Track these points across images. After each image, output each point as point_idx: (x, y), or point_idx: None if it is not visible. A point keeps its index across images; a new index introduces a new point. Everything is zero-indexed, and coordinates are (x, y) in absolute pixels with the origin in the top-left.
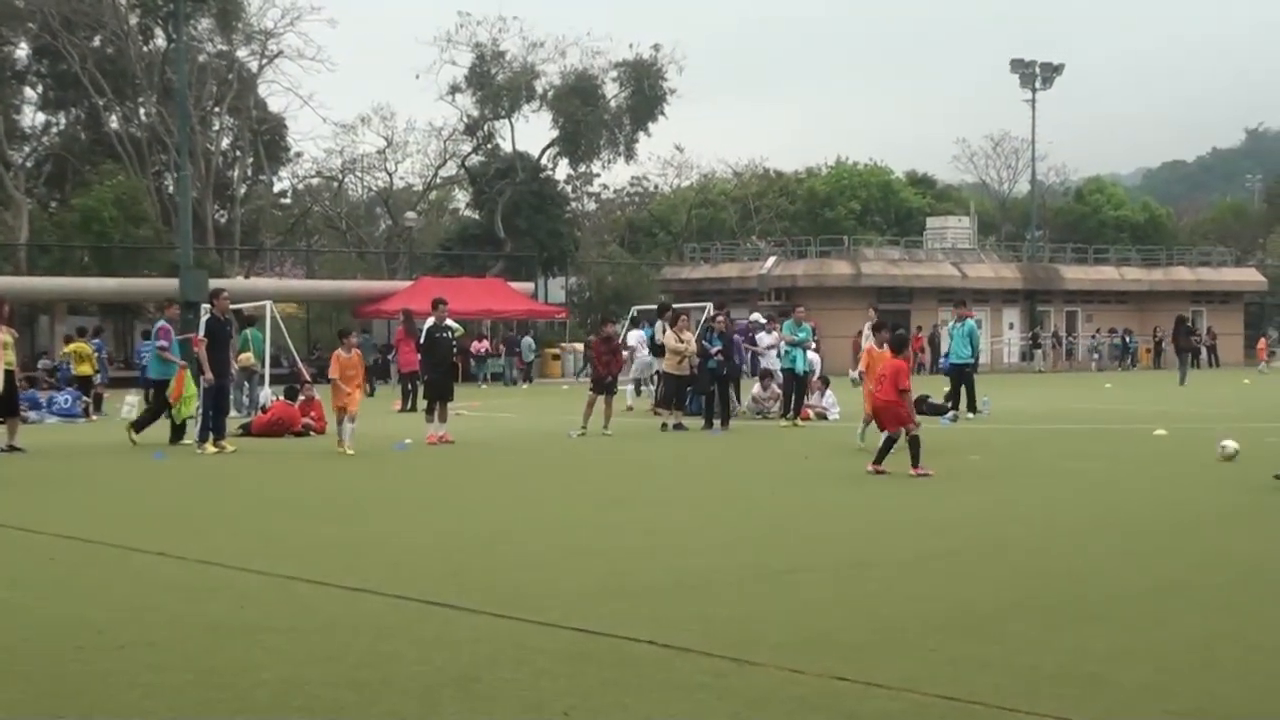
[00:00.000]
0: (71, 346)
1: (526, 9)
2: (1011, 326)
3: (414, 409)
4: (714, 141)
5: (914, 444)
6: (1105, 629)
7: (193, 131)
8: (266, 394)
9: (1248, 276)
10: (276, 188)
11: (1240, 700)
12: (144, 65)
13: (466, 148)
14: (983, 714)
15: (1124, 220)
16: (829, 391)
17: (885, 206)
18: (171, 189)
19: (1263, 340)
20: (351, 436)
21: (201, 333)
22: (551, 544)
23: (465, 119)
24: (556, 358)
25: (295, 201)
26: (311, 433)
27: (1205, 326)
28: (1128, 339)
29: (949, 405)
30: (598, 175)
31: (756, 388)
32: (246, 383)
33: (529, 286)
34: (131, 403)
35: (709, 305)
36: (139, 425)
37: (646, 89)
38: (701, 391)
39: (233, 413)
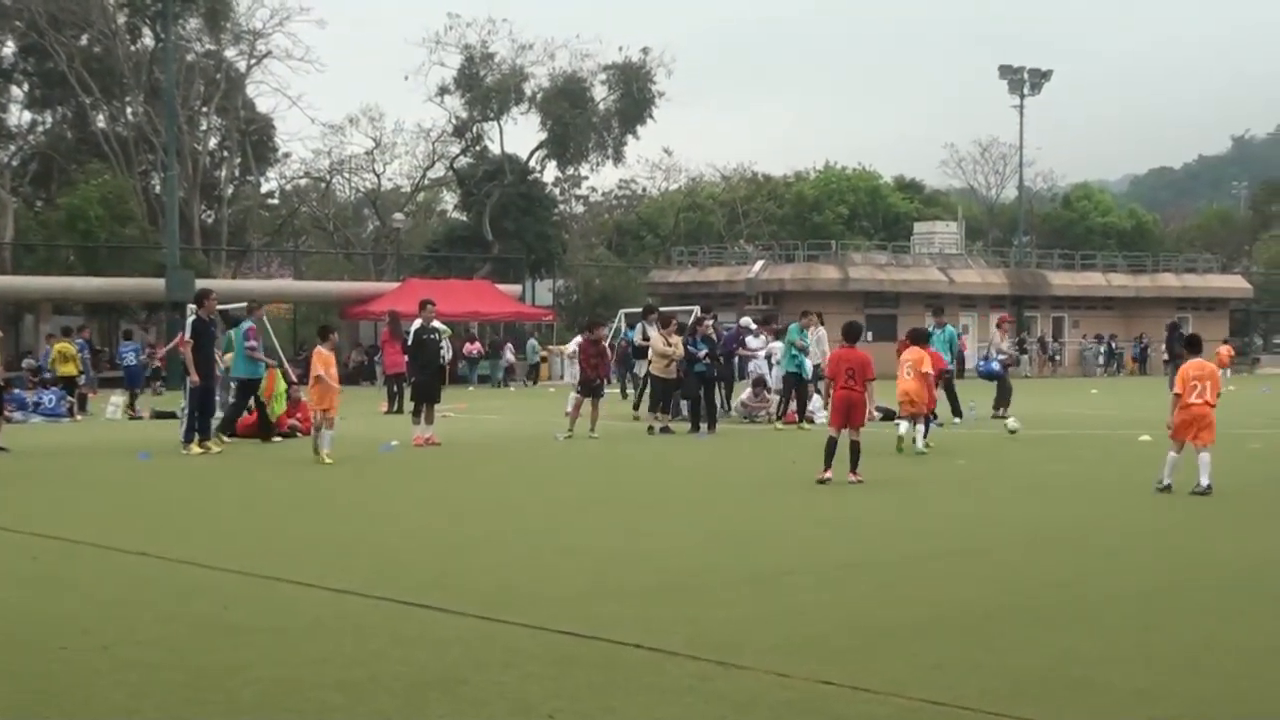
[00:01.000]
0: (56, 346)
1: (516, 11)
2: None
3: (400, 411)
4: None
5: (855, 449)
6: (1093, 632)
7: (180, 131)
8: None
9: (1233, 283)
10: (264, 188)
11: (1229, 704)
12: (131, 64)
13: (455, 149)
14: (969, 718)
15: (1111, 227)
16: (818, 396)
17: (873, 211)
18: (158, 189)
19: (1226, 347)
20: (330, 444)
21: (188, 334)
22: (538, 546)
23: (454, 121)
24: (544, 360)
25: (283, 202)
26: (298, 434)
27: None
28: (1113, 345)
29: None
30: (586, 178)
31: (747, 393)
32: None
33: (516, 289)
34: (116, 403)
35: (696, 309)
36: (225, 425)
37: (635, 92)
38: (689, 395)
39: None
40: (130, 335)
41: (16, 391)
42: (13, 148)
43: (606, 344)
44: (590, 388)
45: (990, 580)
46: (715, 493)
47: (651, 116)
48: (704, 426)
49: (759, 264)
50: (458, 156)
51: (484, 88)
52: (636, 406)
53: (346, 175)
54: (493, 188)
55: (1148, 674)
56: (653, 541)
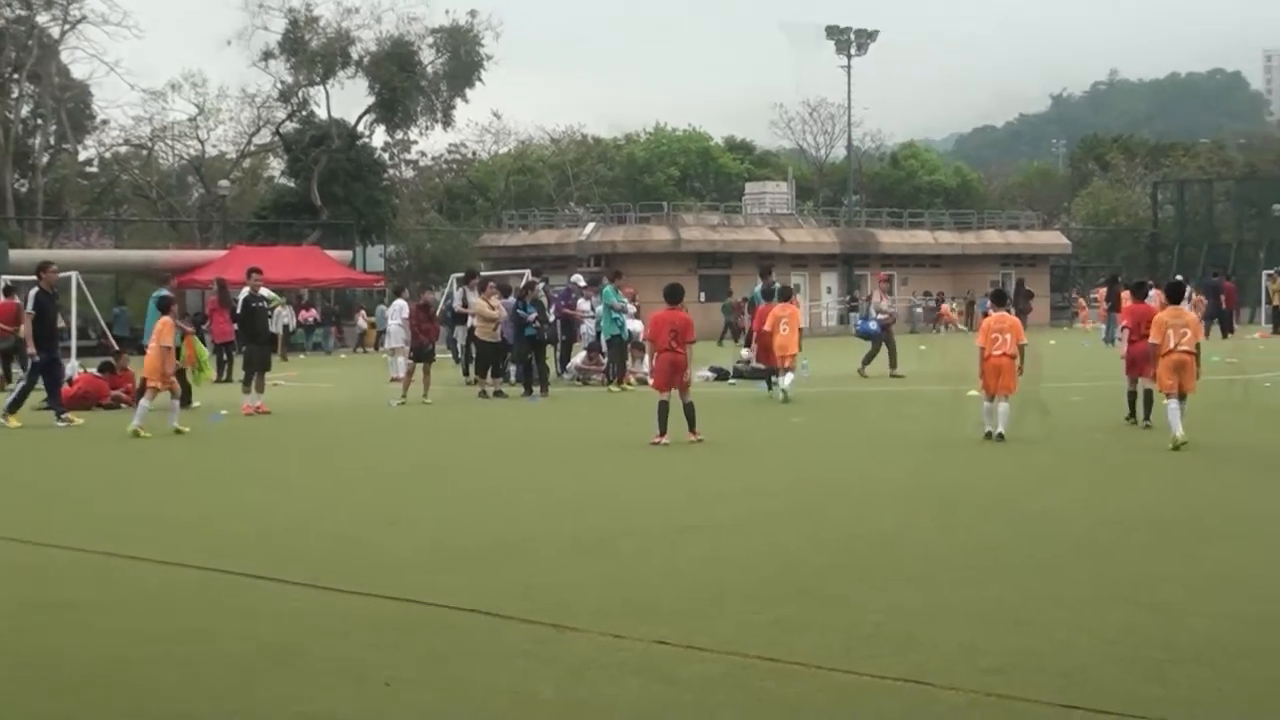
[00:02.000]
0: None
1: None
2: (829, 290)
3: (229, 379)
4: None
5: (690, 409)
6: (920, 590)
7: None
8: (73, 366)
9: (1054, 239)
10: (82, 156)
11: (1050, 656)
12: None
13: (281, 115)
14: (803, 674)
15: (938, 185)
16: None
17: (704, 172)
18: None
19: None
20: (143, 417)
21: (30, 306)
22: (370, 514)
23: (279, 86)
24: (374, 326)
25: (102, 170)
26: (122, 404)
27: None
28: (940, 302)
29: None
30: (415, 142)
31: (581, 355)
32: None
33: (347, 255)
34: None
35: (527, 272)
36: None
37: (463, 55)
38: (519, 359)
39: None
40: None
41: None
42: None
43: (438, 310)
44: (421, 353)
45: (821, 539)
46: (547, 457)
47: (480, 80)
48: (536, 390)
49: (590, 226)
50: (284, 122)
51: (309, 52)
52: (466, 372)
53: (169, 142)
54: (320, 153)
55: (972, 628)
56: (485, 507)
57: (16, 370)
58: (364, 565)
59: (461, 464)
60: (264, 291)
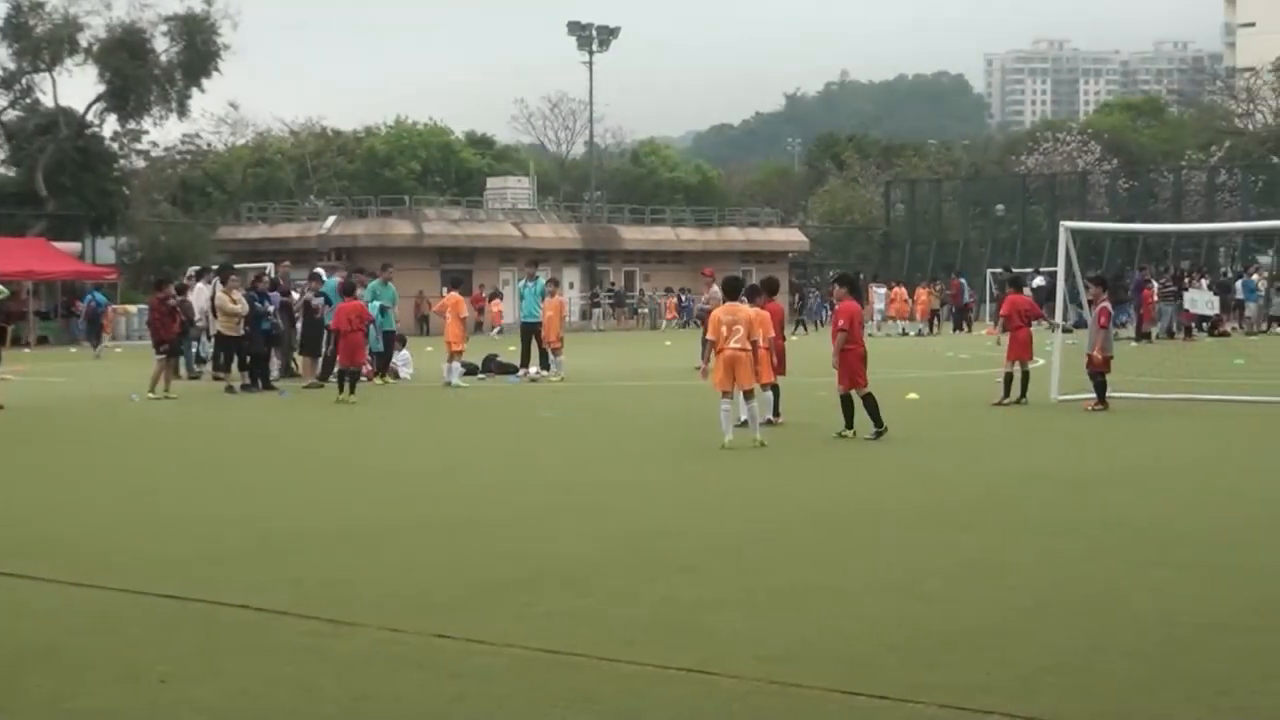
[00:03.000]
0: None
1: None
2: (572, 286)
3: None
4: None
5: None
6: (694, 580)
7: None
8: None
9: (792, 237)
10: None
11: (829, 644)
12: None
13: (2, 102)
14: (586, 665)
15: (678, 182)
16: (404, 351)
17: (445, 167)
18: None
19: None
20: None
21: None
22: (127, 511)
23: (1, 72)
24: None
25: None
26: None
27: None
28: (683, 298)
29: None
30: (147, 132)
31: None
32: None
33: (76, 247)
34: None
35: (269, 265)
36: None
37: (199, 44)
38: (256, 353)
39: None
40: None
41: None
42: None
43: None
44: (161, 347)
45: (591, 532)
46: (304, 449)
47: (218, 69)
48: (285, 384)
49: (331, 220)
50: (5, 109)
51: (34, 38)
52: (215, 366)
53: None
54: (46, 142)
55: (749, 618)
56: (248, 503)
57: None
58: (124, 562)
59: (215, 459)
60: None
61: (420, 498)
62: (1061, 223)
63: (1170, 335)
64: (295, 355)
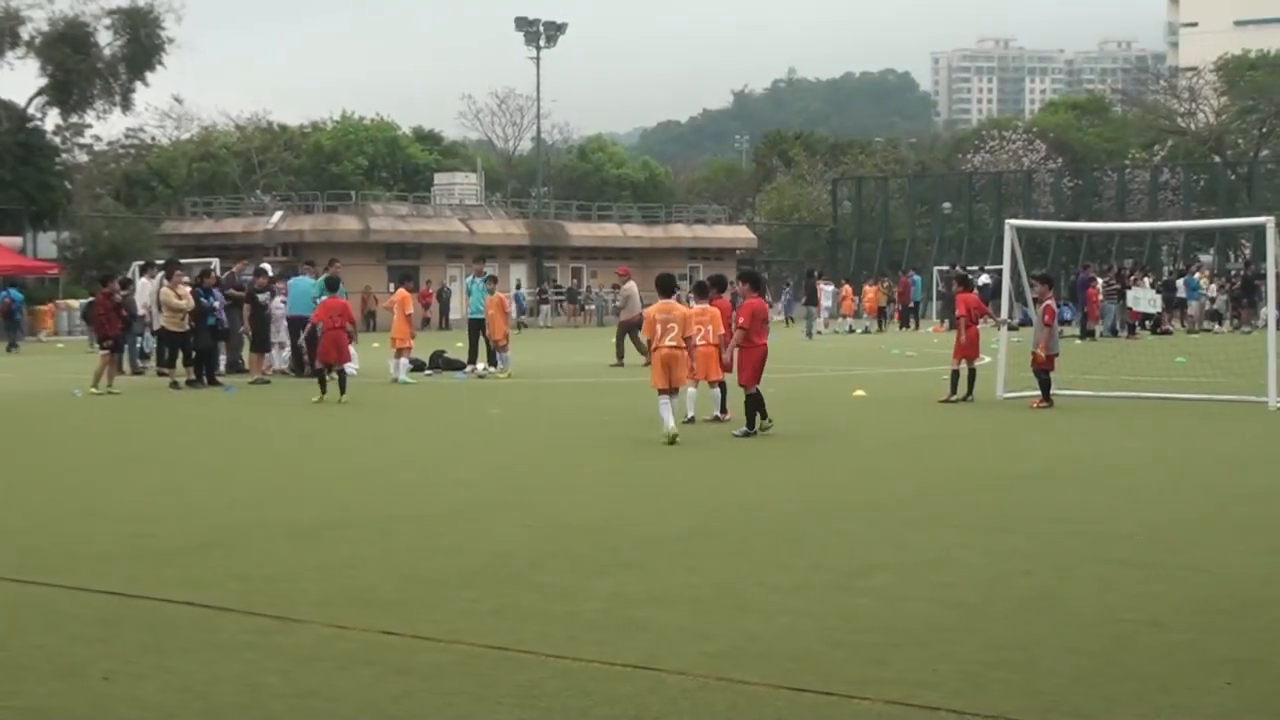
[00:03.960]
0: None
1: None
2: (519, 283)
3: None
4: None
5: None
6: (638, 575)
7: None
8: None
9: (739, 234)
10: None
11: (775, 641)
12: None
13: None
14: (532, 661)
15: (625, 178)
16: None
17: (393, 162)
18: None
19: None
20: None
21: None
22: (67, 506)
23: None
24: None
25: None
26: None
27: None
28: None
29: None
30: (90, 126)
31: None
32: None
33: (16, 241)
34: None
35: (214, 261)
36: None
37: (144, 38)
38: (202, 348)
39: None
40: None
41: None
42: None
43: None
44: (108, 343)
45: (534, 527)
46: (248, 445)
47: (162, 63)
48: (231, 380)
49: (278, 215)
50: None
51: None
52: (159, 361)
53: None
54: None
55: (694, 614)
56: (189, 499)
57: None
58: (64, 558)
59: (159, 455)
60: None
61: (365, 494)
62: (1007, 221)
63: (1114, 333)
64: (242, 352)
